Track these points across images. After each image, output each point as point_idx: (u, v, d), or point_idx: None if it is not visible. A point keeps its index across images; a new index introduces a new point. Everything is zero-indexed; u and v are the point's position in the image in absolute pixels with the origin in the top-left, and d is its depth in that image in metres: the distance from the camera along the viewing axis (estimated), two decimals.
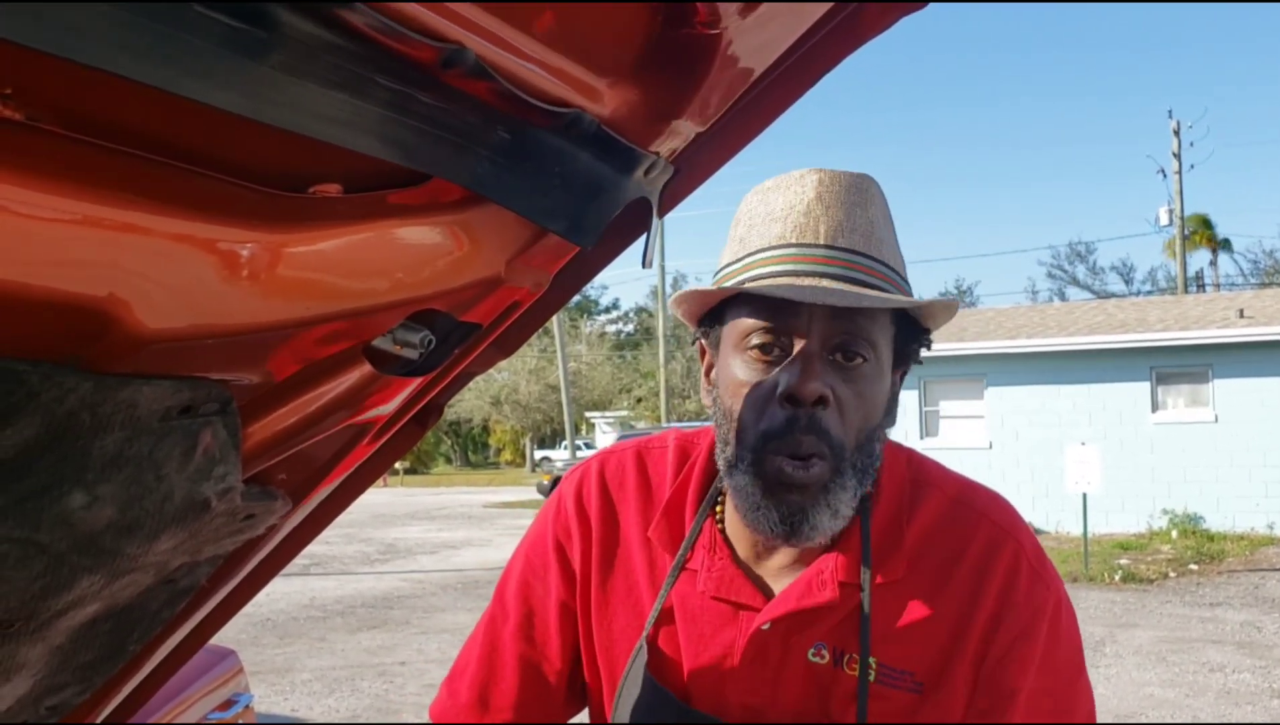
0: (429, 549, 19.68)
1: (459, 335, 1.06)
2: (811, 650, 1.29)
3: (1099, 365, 20.01)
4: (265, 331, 0.88)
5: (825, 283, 1.22)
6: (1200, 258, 48.91)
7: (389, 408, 1.08)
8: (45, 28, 0.56)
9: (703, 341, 1.39)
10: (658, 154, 1.02)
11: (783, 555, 1.34)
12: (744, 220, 1.33)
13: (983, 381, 20.91)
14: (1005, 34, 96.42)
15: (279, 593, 13.86)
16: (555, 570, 1.46)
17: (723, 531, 1.38)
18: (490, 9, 0.77)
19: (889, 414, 1.33)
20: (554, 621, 1.45)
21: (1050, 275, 56.73)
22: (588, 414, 56.73)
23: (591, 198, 0.98)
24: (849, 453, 1.25)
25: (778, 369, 1.24)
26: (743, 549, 1.37)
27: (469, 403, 57.34)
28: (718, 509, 1.40)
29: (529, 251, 1.02)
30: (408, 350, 1.01)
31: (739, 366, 1.28)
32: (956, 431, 21.02)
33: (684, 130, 1.00)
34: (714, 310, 1.34)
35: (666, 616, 1.37)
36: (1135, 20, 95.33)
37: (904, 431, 20.70)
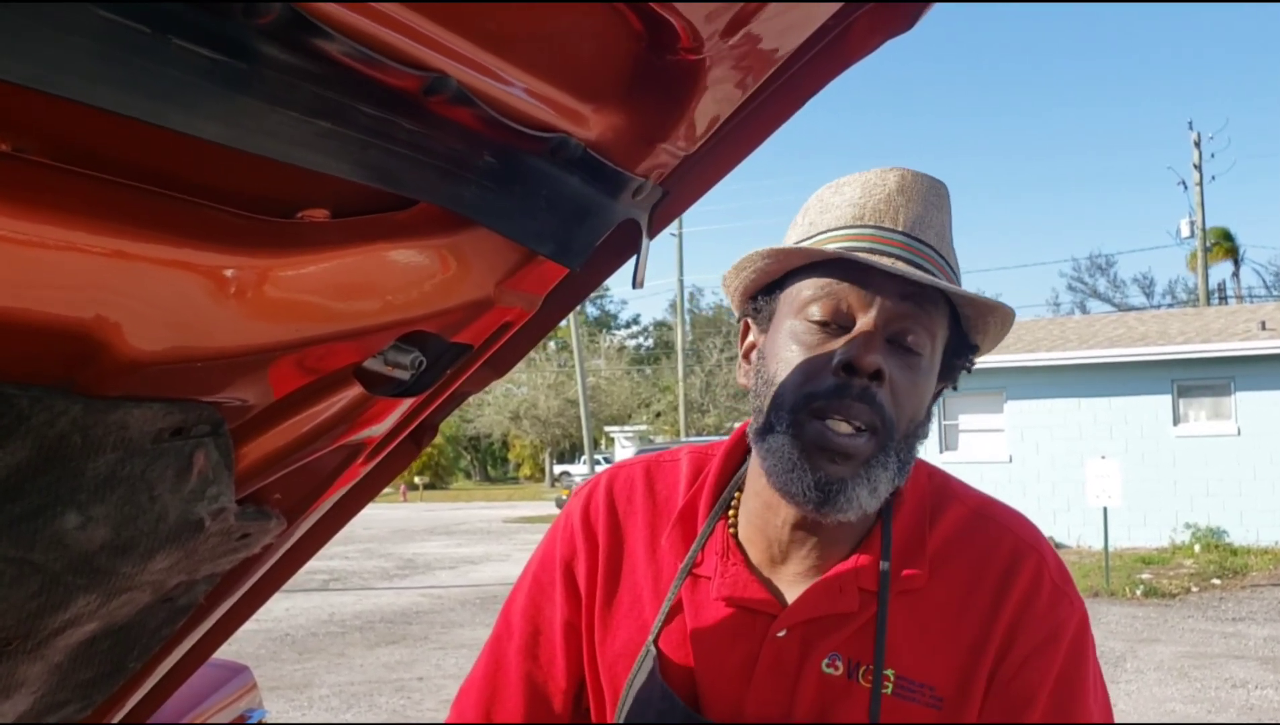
0: (448, 564, 19.71)
1: (450, 356, 1.07)
2: (825, 661, 1.26)
3: (1120, 378, 19.91)
4: (255, 354, 0.90)
5: (900, 265, 1.22)
6: (1222, 270, 48.67)
7: (382, 428, 1.09)
8: (30, 64, 0.58)
9: (749, 319, 1.37)
10: (645, 177, 1.03)
11: (798, 562, 1.32)
12: (814, 207, 1.33)
13: (1002, 395, 20.82)
14: (1024, 43, 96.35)
15: (298, 608, 13.91)
16: (561, 589, 1.45)
17: (735, 537, 1.36)
18: (471, 37, 0.78)
19: (927, 421, 1.31)
20: (559, 641, 1.44)
21: (1071, 288, 56.49)
22: (607, 428, 56.74)
23: (579, 220, 1.00)
24: (897, 436, 1.23)
25: (835, 340, 1.23)
26: (756, 555, 1.34)
27: (488, 418, 57.53)
28: (730, 513, 1.38)
29: (519, 273, 1.03)
30: (398, 371, 1.02)
31: (793, 334, 1.26)
32: (976, 445, 20.93)
33: (671, 153, 1.01)
34: (773, 283, 1.32)
35: (676, 623, 1.34)
36: (1155, 32, 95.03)
37: (923, 445, 20.56)
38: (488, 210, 0.91)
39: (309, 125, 0.75)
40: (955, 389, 1.39)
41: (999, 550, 1.30)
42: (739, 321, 1.41)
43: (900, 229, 1.26)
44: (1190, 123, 55.82)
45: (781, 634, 1.28)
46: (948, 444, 21.10)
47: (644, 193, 1.04)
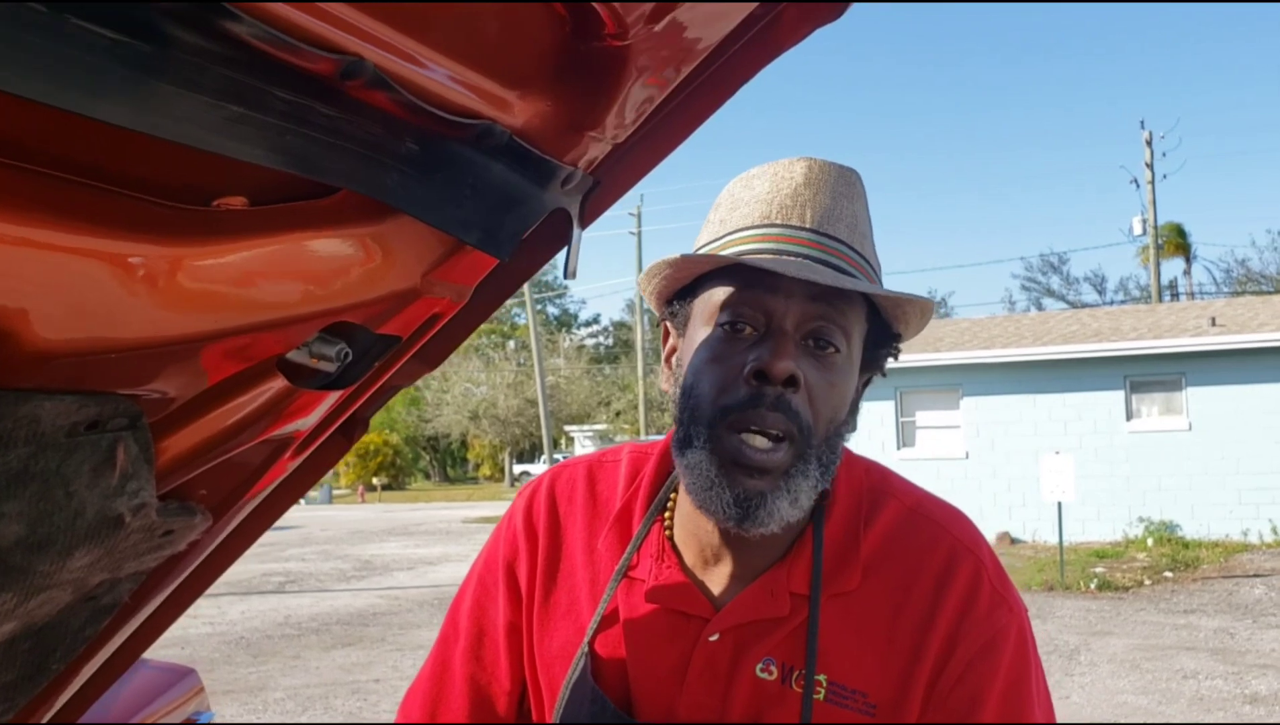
0: (406, 565, 19.59)
1: (378, 348, 1.05)
2: (760, 666, 1.24)
3: (1074, 374, 20.13)
4: (173, 345, 0.88)
5: (807, 264, 1.20)
6: (1174, 267, 49.35)
7: (309, 421, 1.07)
8: None
9: (668, 323, 1.34)
10: (575, 166, 1.01)
11: (731, 563, 1.29)
12: (725, 204, 1.30)
13: (959, 392, 20.99)
14: (976, 43, 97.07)
15: (253, 610, 13.78)
16: (504, 590, 1.43)
17: (671, 539, 1.35)
18: (388, 20, 0.77)
19: (852, 415, 1.29)
20: (503, 643, 1.43)
21: (1025, 287, 56.97)
22: (566, 428, 56.68)
23: (506, 209, 0.98)
24: (816, 440, 1.21)
25: (747, 347, 1.20)
26: (690, 556, 1.32)
27: (447, 418, 57.34)
28: (666, 515, 1.37)
29: (446, 263, 1.01)
30: (324, 363, 1.01)
31: (707, 342, 1.23)
32: (933, 442, 21.08)
33: (601, 141, 1.00)
34: (686, 287, 1.30)
35: (611, 628, 1.32)
36: (1106, 30, 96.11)
37: (880, 442, 20.76)
38: (411, 198, 0.90)
39: (220, 110, 0.73)
40: (884, 376, 1.38)
41: (935, 552, 1.28)
42: (658, 326, 1.39)
43: (808, 225, 1.23)
44: (1142, 122, 56.58)
45: (714, 638, 1.27)
46: (905, 441, 21.24)
47: (574, 182, 1.03)
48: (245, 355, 0.94)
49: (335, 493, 52.79)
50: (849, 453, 1.35)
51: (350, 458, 57.78)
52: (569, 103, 0.93)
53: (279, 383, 0.99)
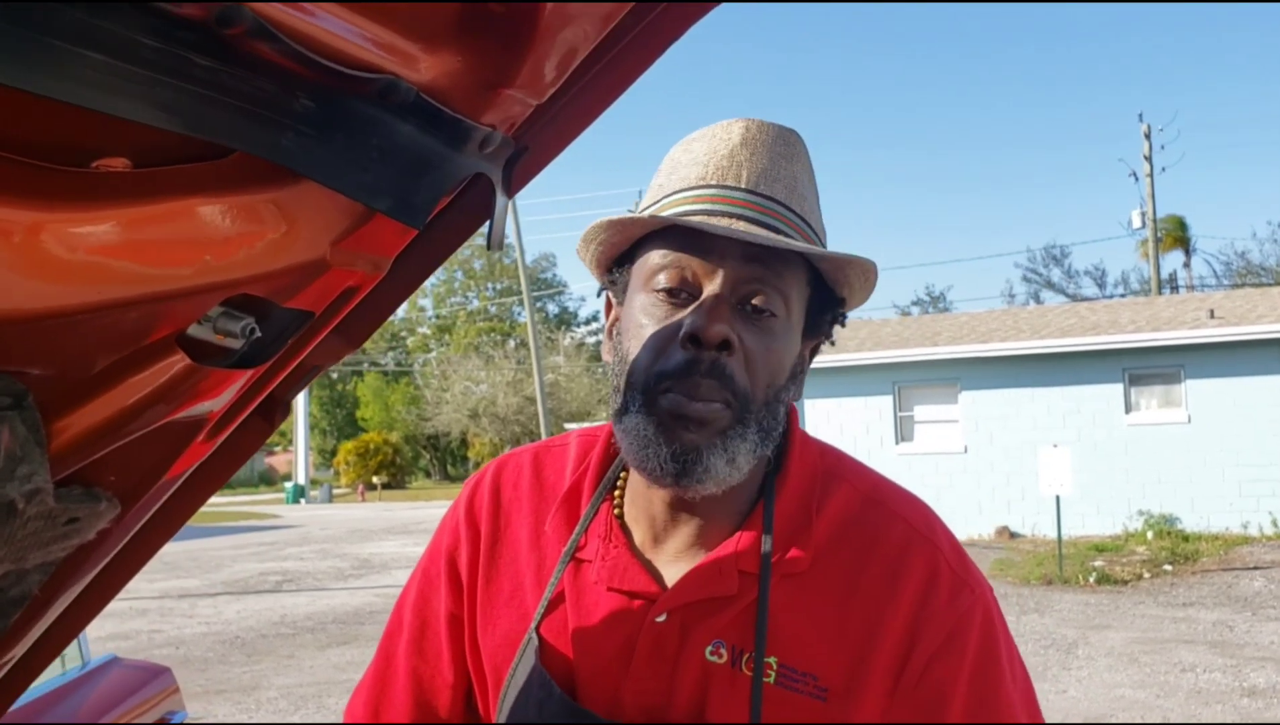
0: (404, 564, 19.54)
1: (293, 325, 0.99)
2: (709, 648, 1.20)
3: (1072, 368, 20.08)
4: (54, 318, 0.82)
5: (741, 225, 1.17)
6: (1174, 260, 49.25)
7: (219, 402, 1.01)
8: None
9: (609, 293, 1.33)
10: (493, 127, 0.96)
11: (678, 540, 1.26)
12: (665, 169, 1.28)
13: (957, 386, 20.94)
14: (975, 36, 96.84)
15: (249, 610, 13.74)
16: (446, 582, 1.40)
17: (620, 518, 1.31)
18: None
19: (795, 382, 1.26)
20: (445, 635, 1.40)
21: (1026, 279, 56.79)
22: (566, 426, 56.58)
23: (418, 174, 0.92)
24: (755, 405, 1.18)
25: (683, 311, 1.18)
26: (639, 534, 1.29)
27: (447, 416, 57.39)
28: (615, 494, 1.33)
29: (357, 233, 0.95)
30: (229, 340, 0.95)
31: (643, 307, 1.22)
32: (931, 436, 21.02)
33: (519, 102, 0.94)
34: (625, 253, 1.28)
35: (558, 610, 1.29)
36: (1103, 24, 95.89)
37: (879, 437, 20.72)
38: (310, 160, 0.84)
39: (78, 57, 0.67)
40: (833, 343, 1.35)
41: (889, 538, 1.24)
42: (599, 295, 1.36)
43: (744, 186, 1.20)
44: (1140, 115, 56.35)
45: (661, 618, 1.22)
46: (903, 435, 21.18)
47: (493, 145, 0.97)
48: (140, 330, 0.89)
49: (335, 492, 52.80)
50: (804, 434, 1.32)
51: (350, 457, 57.89)
52: (480, 57, 0.88)
53: (182, 360, 0.93)
